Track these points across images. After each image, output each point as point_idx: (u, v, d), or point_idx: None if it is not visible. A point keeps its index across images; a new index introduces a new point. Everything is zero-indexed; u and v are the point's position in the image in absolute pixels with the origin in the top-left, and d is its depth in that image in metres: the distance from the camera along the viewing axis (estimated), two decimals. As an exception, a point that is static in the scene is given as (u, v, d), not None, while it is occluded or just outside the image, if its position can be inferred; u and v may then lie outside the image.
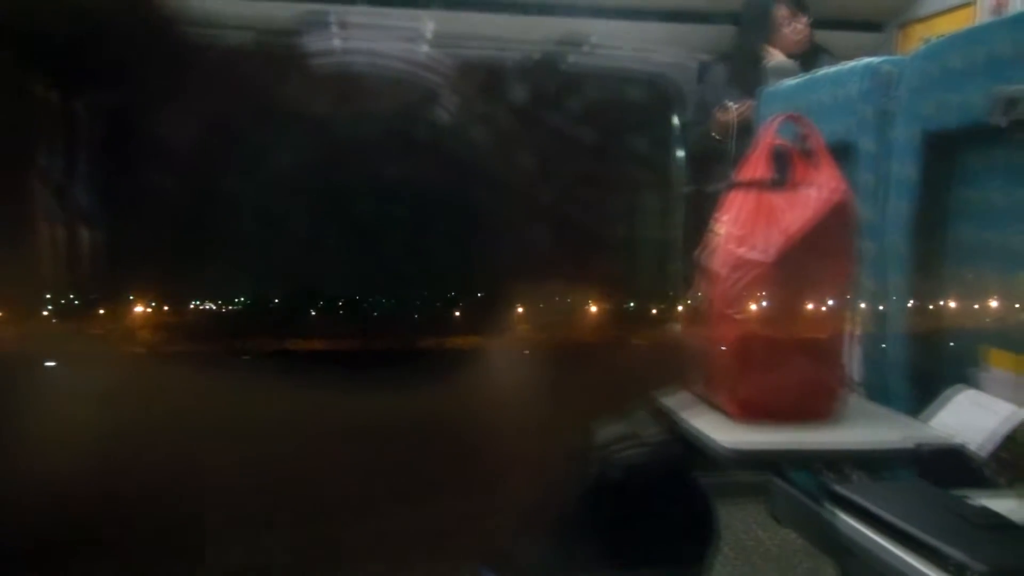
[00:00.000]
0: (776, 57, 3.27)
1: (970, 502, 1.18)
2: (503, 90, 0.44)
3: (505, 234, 0.44)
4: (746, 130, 2.69)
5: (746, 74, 3.15)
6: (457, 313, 0.46)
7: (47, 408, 0.40)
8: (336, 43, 0.43)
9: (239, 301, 0.44)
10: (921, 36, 3.59)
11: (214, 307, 0.44)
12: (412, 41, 0.43)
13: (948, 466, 1.33)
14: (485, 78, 0.43)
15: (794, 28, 3.31)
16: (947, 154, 1.64)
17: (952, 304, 1.60)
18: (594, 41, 0.52)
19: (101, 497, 0.40)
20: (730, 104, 3.00)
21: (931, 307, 1.64)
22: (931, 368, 1.62)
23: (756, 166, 1.50)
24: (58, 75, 0.41)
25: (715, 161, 2.68)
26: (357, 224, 0.43)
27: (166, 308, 0.43)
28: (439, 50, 0.43)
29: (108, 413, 0.41)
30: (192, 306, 0.44)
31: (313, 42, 0.43)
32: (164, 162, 0.41)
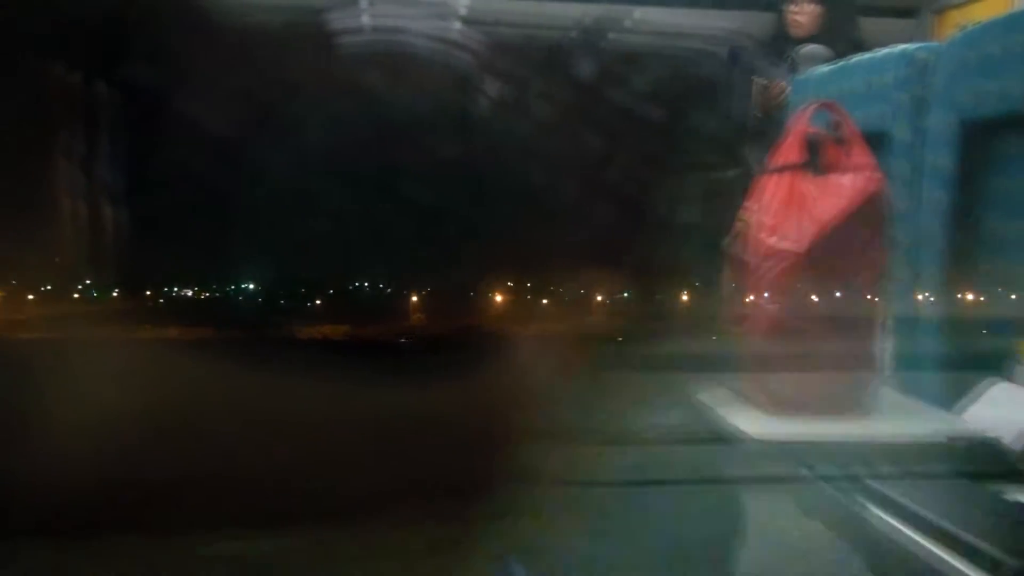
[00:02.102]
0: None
1: (1004, 497, 1.16)
2: (539, 69, 0.43)
3: (554, 215, 0.43)
4: (780, 113, 2.66)
5: (778, 57, 3.13)
6: (481, 298, 0.45)
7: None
8: (367, 21, 0.43)
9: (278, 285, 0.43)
10: (957, 22, 3.53)
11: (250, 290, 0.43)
12: (445, 19, 0.42)
13: (982, 460, 1.31)
14: (522, 57, 0.43)
15: (791, 10, 3.27)
16: (984, 143, 1.61)
17: (987, 296, 1.58)
18: (629, 24, 0.51)
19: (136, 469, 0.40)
20: (767, 80, 2.98)
21: (966, 299, 1.62)
22: (965, 361, 1.60)
23: (788, 153, 1.48)
24: (83, 56, 0.41)
25: (753, 143, 2.66)
26: (393, 208, 0.42)
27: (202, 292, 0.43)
28: (477, 30, 0.42)
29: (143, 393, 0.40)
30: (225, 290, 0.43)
31: (351, 20, 0.42)
32: (188, 142, 0.41)
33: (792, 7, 3.25)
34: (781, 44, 3.24)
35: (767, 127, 2.73)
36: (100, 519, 0.40)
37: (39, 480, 0.38)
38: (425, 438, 0.44)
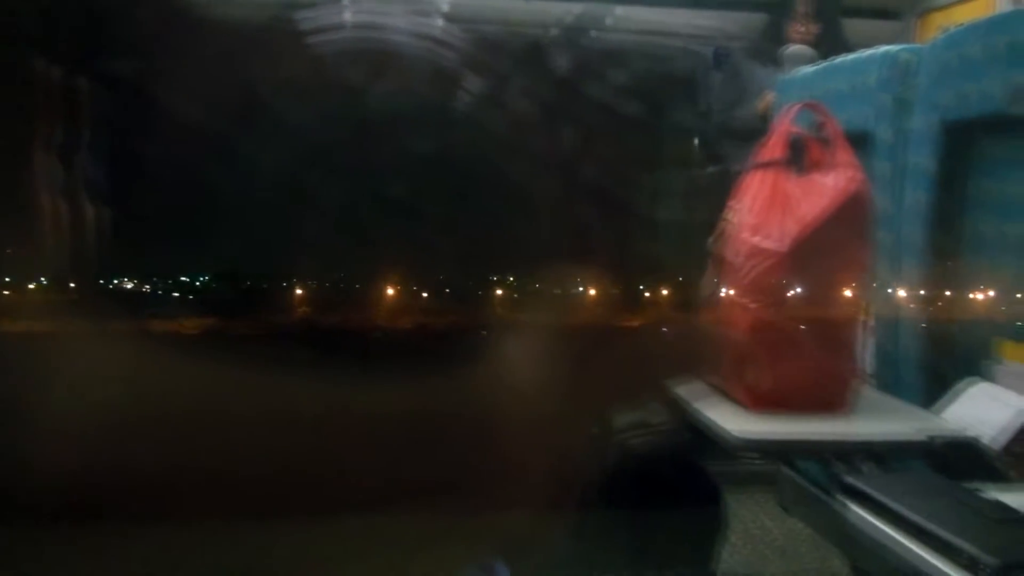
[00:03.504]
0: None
1: (982, 495, 1.17)
2: (520, 67, 0.43)
3: (534, 212, 0.43)
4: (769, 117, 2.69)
5: (764, 56, 3.17)
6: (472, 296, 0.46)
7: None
8: (348, 18, 0.43)
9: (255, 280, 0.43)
10: (940, 24, 3.55)
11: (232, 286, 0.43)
12: (427, 16, 0.42)
13: (960, 459, 1.32)
14: (503, 54, 0.43)
15: (795, 27, 3.33)
16: (965, 144, 1.62)
17: (967, 296, 1.59)
18: (611, 22, 0.51)
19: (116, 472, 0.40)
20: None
21: (946, 299, 1.63)
22: (945, 360, 1.61)
23: (772, 153, 1.49)
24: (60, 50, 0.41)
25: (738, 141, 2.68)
26: (373, 206, 0.42)
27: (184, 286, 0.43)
28: (455, 27, 0.42)
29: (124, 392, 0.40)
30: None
31: (333, 16, 0.42)
32: (169, 138, 0.40)
33: (797, 25, 3.30)
34: (767, 43, 3.28)
35: (756, 126, 2.75)
36: (96, 511, 0.40)
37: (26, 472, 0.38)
38: (412, 434, 0.44)
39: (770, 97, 3.02)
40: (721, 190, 1.50)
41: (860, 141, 1.70)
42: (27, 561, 0.39)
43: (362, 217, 0.42)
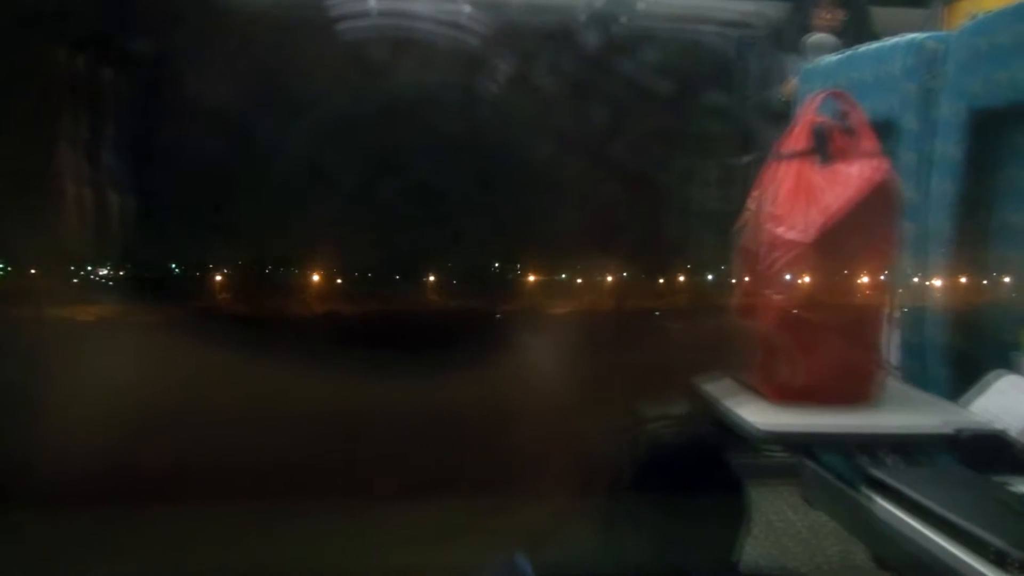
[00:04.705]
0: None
1: (1010, 488, 1.15)
2: (549, 53, 0.43)
3: (563, 199, 0.43)
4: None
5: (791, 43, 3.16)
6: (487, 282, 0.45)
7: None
8: (373, 4, 0.42)
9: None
10: (968, 11, 3.51)
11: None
12: (454, 2, 0.42)
13: (988, 452, 1.31)
14: (532, 41, 0.42)
15: (821, 14, 3.31)
16: (993, 133, 1.60)
17: (995, 287, 1.57)
18: (641, 6, 0.51)
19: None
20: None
21: (973, 290, 1.61)
22: (972, 352, 1.59)
23: (796, 142, 1.48)
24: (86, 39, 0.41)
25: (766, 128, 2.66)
26: (402, 194, 0.42)
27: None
28: (485, 13, 0.42)
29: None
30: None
31: (358, 2, 0.42)
32: (196, 122, 0.40)
33: (823, 12, 3.28)
34: (793, 31, 3.26)
35: (780, 114, 2.73)
36: (105, 498, 0.40)
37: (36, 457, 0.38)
38: (433, 427, 0.44)
39: (794, 82, 3.00)
40: (752, 177, 1.48)
41: (885, 130, 1.68)
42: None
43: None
